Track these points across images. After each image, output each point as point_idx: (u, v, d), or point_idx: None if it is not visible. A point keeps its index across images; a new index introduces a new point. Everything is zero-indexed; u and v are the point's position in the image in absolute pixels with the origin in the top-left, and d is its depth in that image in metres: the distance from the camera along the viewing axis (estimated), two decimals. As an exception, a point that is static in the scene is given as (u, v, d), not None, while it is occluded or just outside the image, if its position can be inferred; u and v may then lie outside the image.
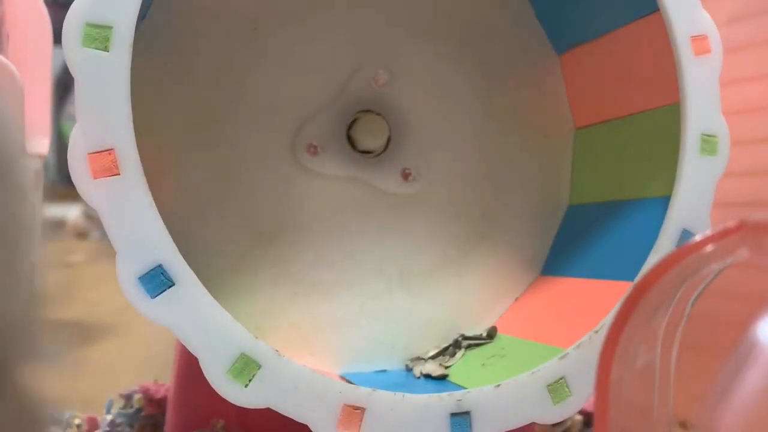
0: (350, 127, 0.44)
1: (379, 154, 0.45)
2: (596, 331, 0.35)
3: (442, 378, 0.41)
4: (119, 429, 0.46)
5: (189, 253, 0.32)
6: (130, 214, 0.31)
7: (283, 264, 0.43)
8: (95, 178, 0.31)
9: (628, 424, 0.27)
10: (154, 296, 0.31)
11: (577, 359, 0.35)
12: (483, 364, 0.40)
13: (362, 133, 0.44)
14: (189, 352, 0.31)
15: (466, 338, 0.44)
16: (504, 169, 0.47)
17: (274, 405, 0.32)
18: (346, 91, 0.44)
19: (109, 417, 0.47)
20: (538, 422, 0.35)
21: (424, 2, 0.46)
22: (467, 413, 0.34)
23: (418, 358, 0.43)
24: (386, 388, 0.33)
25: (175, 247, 0.31)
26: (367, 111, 0.45)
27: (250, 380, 0.31)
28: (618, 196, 0.43)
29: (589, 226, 0.44)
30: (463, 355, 0.43)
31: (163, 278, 0.31)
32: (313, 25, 0.44)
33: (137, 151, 0.31)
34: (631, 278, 0.37)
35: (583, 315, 0.38)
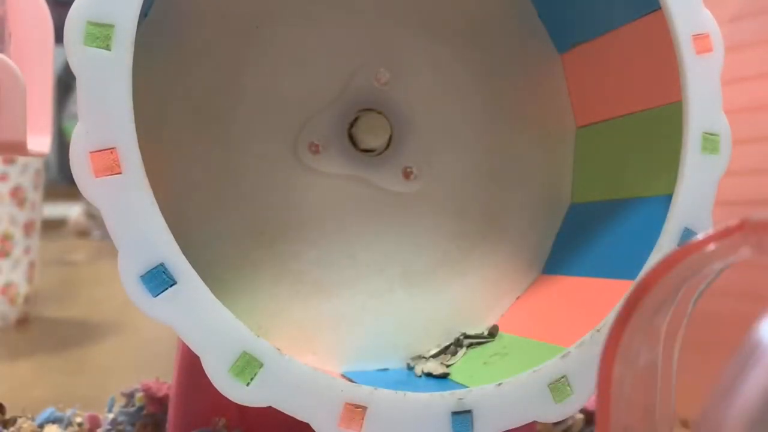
0: (352, 125, 0.44)
1: (380, 153, 0.45)
2: (598, 330, 0.35)
3: (444, 377, 0.41)
4: (121, 427, 0.46)
5: (191, 251, 0.32)
6: (132, 213, 0.31)
7: (284, 263, 0.43)
8: (97, 176, 0.31)
9: (630, 423, 0.26)
10: (155, 295, 0.31)
11: (579, 358, 0.35)
12: (484, 363, 0.40)
13: (364, 131, 0.44)
14: (191, 351, 0.31)
15: (467, 337, 0.44)
16: (506, 167, 0.47)
17: (276, 403, 0.32)
18: (348, 90, 0.45)
19: (110, 415, 0.47)
20: (540, 421, 0.35)
21: (427, 1, 0.46)
22: (469, 412, 0.34)
23: (420, 357, 0.43)
24: (388, 386, 0.33)
25: (177, 246, 0.31)
26: (369, 110, 0.45)
27: (251, 379, 0.31)
28: (619, 194, 0.43)
29: (590, 224, 0.44)
30: (464, 353, 0.43)
31: (164, 277, 0.31)
32: (315, 23, 0.44)
33: (139, 150, 0.31)
34: (632, 277, 0.37)
35: (585, 313, 0.38)
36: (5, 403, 0.47)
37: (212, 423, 0.41)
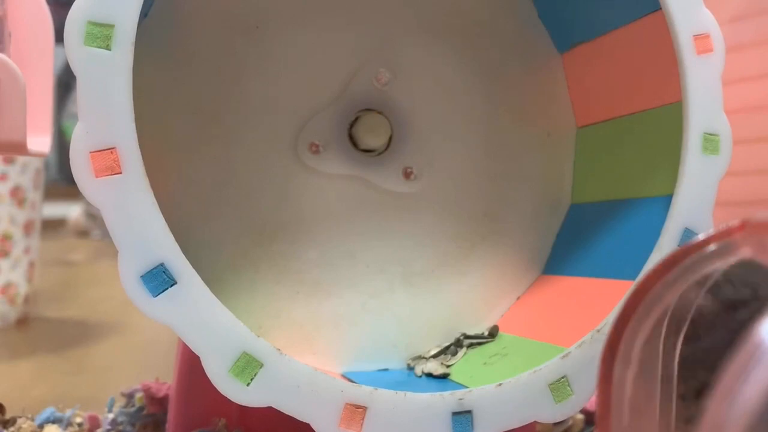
0: (352, 125, 0.44)
1: (380, 153, 0.45)
2: (598, 330, 0.35)
3: (444, 377, 0.41)
4: (121, 428, 0.46)
5: (191, 251, 0.32)
6: (132, 213, 0.31)
7: (284, 262, 0.43)
8: (97, 176, 0.31)
9: (630, 424, 0.26)
10: (155, 295, 0.31)
11: (579, 358, 0.35)
12: (485, 363, 0.40)
13: (364, 131, 0.44)
14: (191, 351, 0.31)
15: (467, 337, 0.44)
16: (506, 167, 0.47)
17: (276, 404, 0.32)
18: (348, 90, 0.45)
19: (110, 415, 0.47)
20: (540, 421, 0.35)
21: (427, 1, 0.46)
22: (469, 412, 0.34)
23: (420, 357, 0.43)
24: (388, 386, 0.33)
25: (177, 246, 0.31)
26: (369, 110, 0.45)
27: (251, 379, 0.31)
28: (620, 194, 0.43)
29: (591, 224, 0.44)
30: (464, 353, 0.43)
31: (164, 277, 0.31)
32: (315, 23, 0.44)
33: (139, 150, 0.31)
34: (633, 277, 0.37)
35: (585, 314, 0.38)
36: (5, 403, 0.47)
37: (212, 423, 0.41)
